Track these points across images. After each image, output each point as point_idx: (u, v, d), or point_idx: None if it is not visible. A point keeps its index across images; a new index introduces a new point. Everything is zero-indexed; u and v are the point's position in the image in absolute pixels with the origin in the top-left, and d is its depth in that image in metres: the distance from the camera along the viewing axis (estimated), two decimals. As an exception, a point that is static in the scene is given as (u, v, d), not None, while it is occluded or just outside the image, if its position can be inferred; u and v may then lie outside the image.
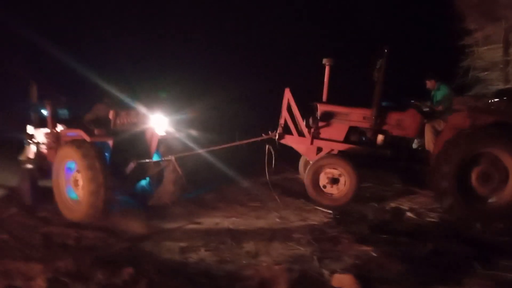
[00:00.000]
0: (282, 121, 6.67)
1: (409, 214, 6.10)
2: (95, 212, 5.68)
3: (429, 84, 6.66)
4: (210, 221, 6.09)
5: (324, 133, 6.52)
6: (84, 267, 4.09)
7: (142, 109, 6.87)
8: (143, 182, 7.03)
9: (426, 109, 6.42)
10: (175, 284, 3.72)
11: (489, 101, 5.87)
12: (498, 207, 5.50)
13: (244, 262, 4.34)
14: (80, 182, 5.90)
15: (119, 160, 6.41)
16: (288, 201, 6.97)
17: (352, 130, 6.45)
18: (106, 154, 6.28)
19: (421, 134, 6.29)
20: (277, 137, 6.53)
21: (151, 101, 7.24)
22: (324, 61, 6.46)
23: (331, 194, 6.29)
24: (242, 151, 7.56)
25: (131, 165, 6.42)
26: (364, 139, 6.39)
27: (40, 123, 7.08)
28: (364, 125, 6.36)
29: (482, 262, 4.19)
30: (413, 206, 6.46)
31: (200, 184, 7.68)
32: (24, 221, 6.06)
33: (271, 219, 6.14)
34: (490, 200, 5.62)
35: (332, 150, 6.42)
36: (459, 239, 4.98)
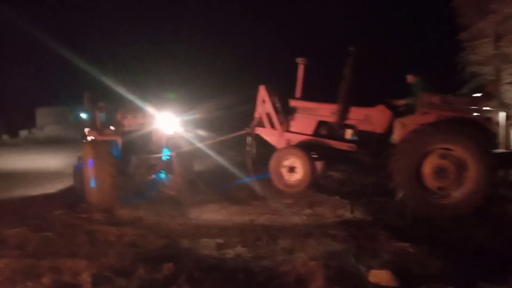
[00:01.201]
0: (256, 115, 7.33)
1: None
2: (104, 197, 6.79)
3: (409, 78, 6.60)
4: (245, 218, 6.18)
5: (294, 126, 7.00)
6: (127, 263, 4.25)
7: (150, 110, 7.82)
8: (161, 176, 7.96)
9: (400, 105, 6.47)
10: (214, 279, 3.80)
11: (448, 97, 5.77)
12: (454, 201, 5.54)
13: (280, 258, 4.37)
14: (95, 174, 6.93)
15: (128, 157, 7.47)
16: (322, 198, 6.98)
17: (321, 124, 6.81)
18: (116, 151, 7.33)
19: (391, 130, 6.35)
20: (251, 129, 7.23)
21: (160, 102, 8.16)
22: (298, 60, 6.91)
23: (289, 180, 6.75)
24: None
25: (133, 161, 7.42)
26: (332, 133, 6.66)
27: (91, 125, 8.16)
28: (332, 119, 6.64)
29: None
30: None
31: (227, 181, 7.82)
32: (69, 220, 6.36)
33: (305, 216, 6.16)
34: (446, 194, 5.64)
35: (300, 142, 6.78)
36: (502, 237, 4.82)
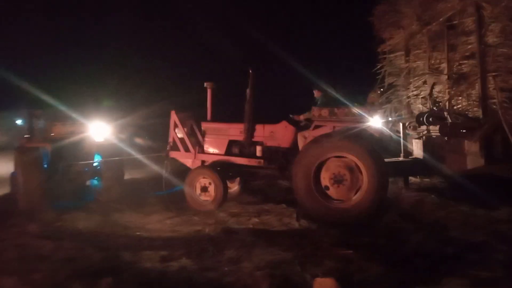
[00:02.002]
0: (170, 140, 7.63)
1: (386, 217, 6.19)
2: (31, 204, 6.96)
3: (315, 93, 7.09)
4: (190, 228, 6.04)
5: (207, 147, 7.34)
6: (61, 279, 3.98)
7: (80, 118, 8.10)
8: (95, 182, 8.28)
9: (301, 120, 6.87)
10: (156, 293, 3.66)
11: (335, 110, 6.22)
12: (349, 206, 5.85)
13: (226, 269, 4.29)
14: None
15: (58, 164, 7.71)
16: (269, 206, 7.02)
17: (231, 143, 7.11)
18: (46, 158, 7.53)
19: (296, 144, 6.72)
20: (166, 154, 7.60)
21: (92, 109, 8.42)
22: (206, 84, 7.27)
23: (202, 199, 6.88)
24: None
25: (62, 168, 7.68)
26: (243, 151, 6.97)
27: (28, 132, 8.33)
28: (241, 138, 6.96)
29: (460, 262, 4.28)
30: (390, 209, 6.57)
31: (160, 189, 7.75)
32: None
33: (252, 225, 6.13)
34: (345, 201, 5.93)
35: (213, 162, 7.12)
36: (438, 239, 5.07)
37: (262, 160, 6.73)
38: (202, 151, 7.33)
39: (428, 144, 7.16)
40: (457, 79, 6.92)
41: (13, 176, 7.79)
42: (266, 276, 3.85)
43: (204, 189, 6.82)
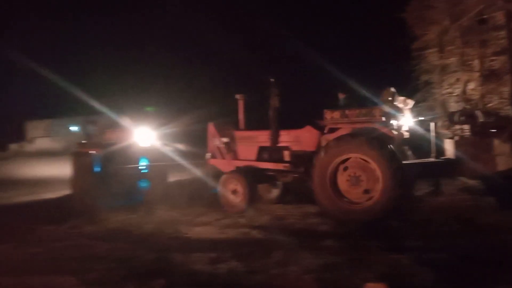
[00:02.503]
0: (209, 149, 8.19)
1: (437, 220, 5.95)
2: (85, 204, 7.62)
3: (340, 95, 7.15)
4: (237, 231, 6.09)
5: (240, 154, 7.73)
6: (116, 279, 4.15)
7: (128, 124, 8.80)
8: (143, 184, 8.82)
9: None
10: (206, 295, 3.72)
11: (346, 111, 6.28)
12: (366, 206, 5.86)
13: (273, 272, 4.28)
14: None
15: (109, 168, 8.23)
16: (316, 210, 6.93)
17: (261, 149, 7.42)
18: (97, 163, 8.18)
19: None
20: (207, 162, 8.22)
21: (138, 116, 9.06)
22: (237, 96, 7.71)
23: (232, 201, 7.29)
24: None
25: (112, 171, 8.18)
26: (271, 156, 7.25)
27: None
28: (269, 144, 7.22)
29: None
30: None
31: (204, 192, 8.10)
32: (58, 234, 6.24)
33: (298, 228, 6.09)
34: (361, 201, 5.95)
35: (245, 167, 7.50)
36: (492, 244, 4.80)
37: (288, 164, 6.94)
38: (235, 157, 7.72)
39: (461, 144, 6.84)
40: (488, 76, 6.61)
41: (71, 179, 8.55)
42: (314, 280, 3.81)
43: (234, 191, 7.24)
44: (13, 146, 32.20)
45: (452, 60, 7.52)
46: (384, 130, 5.96)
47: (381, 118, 6.02)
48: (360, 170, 5.94)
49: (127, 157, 8.60)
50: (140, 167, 8.84)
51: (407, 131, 6.89)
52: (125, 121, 8.98)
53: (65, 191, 9.06)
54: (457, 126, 7.02)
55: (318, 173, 6.14)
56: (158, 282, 3.91)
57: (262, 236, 5.68)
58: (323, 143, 6.57)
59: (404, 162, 6.29)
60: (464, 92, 7.04)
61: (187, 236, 6.01)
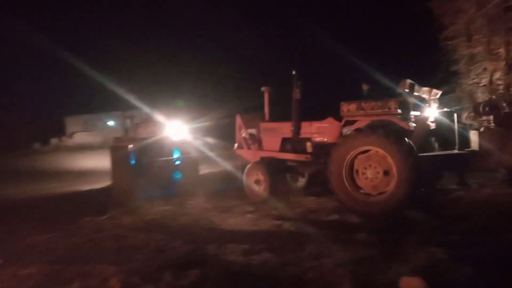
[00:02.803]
0: (236, 140, 8.45)
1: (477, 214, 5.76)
2: (123, 195, 8.05)
3: (363, 86, 7.23)
4: (270, 223, 6.13)
5: (264, 145, 7.89)
6: (154, 268, 4.28)
7: (160, 119, 9.40)
8: (177, 176, 9.22)
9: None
10: (240, 286, 3.78)
11: (362, 103, 6.20)
12: (380, 199, 5.85)
13: (307, 264, 4.29)
14: None
15: (144, 161, 8.66)
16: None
17: (284, 140, 7.50)
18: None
19: None
20: (234, 151, 8.54)
21: (170, 111, 9.69)
22: (262, 88, 7.81)
23: (256, 191, 7.59)
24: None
25: (147, 164, 8.64)
26: (294, 147, 7.30)
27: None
28: (292, 135, 7.27)
29: None
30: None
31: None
32: (97, 225, 6.49)
33: (331, 221, 6.07)
34: (377, 194, 5.94)
35: (269, 158, 7.69)
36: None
37: (309, 156, 7.00)
38: (260, 148, 7.91)
39: (486, 135, 6.59)
40: None
41: (110, 171, 8.95)
42: (348, 273, 3.78)
43: (258, 181, 7.54)
44: (54, 141, 33.58)
45: (479, 49, 7.21)
46: (400, 122, 5.84)
47: (397, 111, 5.89)
48: (376, 163, 5.92)
49: (161, 150, 9.08)
50: (172, 160, 9.28)
51: (432, 122, 6.75)
52: (158, 116, 9.65)
53: (106, 183, 9.46)
54: (484, 117, 6.75)
55: (334, 165, 6.17)
56: (193, 272, 4.00)
57: (295, 229, 5.69)
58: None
59: (426, 154, 6.21)
60: (490, 82, 6.75)
61: (221, 227, 6.11)
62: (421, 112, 6.56)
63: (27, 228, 6.49)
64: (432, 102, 6.84)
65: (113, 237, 5.70)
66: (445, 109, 7.21)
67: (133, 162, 8.59)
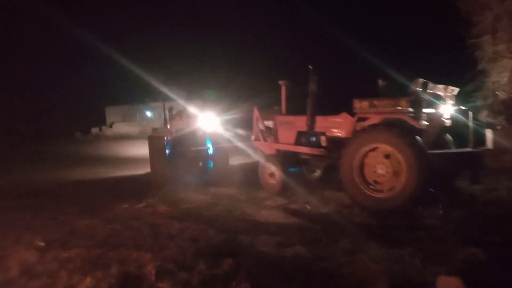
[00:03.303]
0: (253, 132, 8.66)
1: None
2: (159, 181, 8.80)
3: (380, 83, 7.02)
4: (303, 217, 6.11)
5: (280, 138, 7.96)
6: (188, 257, 4.36)
7: (194, 111, 9.98)
8: (210, 165, 9.94)
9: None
10: (273, 278, 3.79)
11: (374, 101, 6.15)
12: (387, 196, 5.89)
13: (340, 259, 4.26)
14: None
15: (178, 151, 9.62)
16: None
17: (299, 134, 7.54)
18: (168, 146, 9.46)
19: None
20: (251, 143, 8.77)
21: (203, 103, 10.03)
22: (280, 82, 7.89)
23: (270, 182, 7.81)
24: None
25: (181, 153, 9.52)
26: (309, 141, 7.34)
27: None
28: (306, 129, 7.29)
29: None
30: None
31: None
32: (135, 213, 6.69)
33: (367, 217, 5.97)
34: (386, 191, 5.97)
35: (284, 151, 7.83)
36: None
37: (323, 150, 7.03)
38: (276, 140, 7.98)
39: (501, 134, 6.44)
40: None
41: (150, 160, 9.61)
42: (383, 271, 3.71)
43: (271, 174, 7.74)
44: (94, 130, 34.80)
45: (502, 47, 6.84)
46: (411, 121, 5.76)
47: (408, 109, 5.81)
48: (386, 160, 5.95)
49: (194, 140, 9.78)
50: (205, 150, 9.90)
51: (448, 119, 6.62)
52: (192, 108, 10.27)
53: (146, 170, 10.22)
54: (501, 116, 6.52)
55: (346, 161, 6.24)
56: (227, 262, 4.05)
57: (328, 224, 5.64)
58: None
59: (439, 151, 6.14)
60: (510, 80, 6.44)
61: (254, 219, 6.15)
62: (435, 109, 6.47)
63: (70, 214, 6.79)
64: (448, 99, 6.68)
65: (149, 225, 5.85)
66: (461, 107, 6.98)
67: (168, 151, 9.33)
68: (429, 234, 4.92)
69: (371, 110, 6.18)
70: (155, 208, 6.91)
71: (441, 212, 5.78)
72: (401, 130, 5.77)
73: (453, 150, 6.67)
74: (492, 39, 7.39)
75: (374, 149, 6.09)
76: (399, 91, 6.36)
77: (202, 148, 9.83)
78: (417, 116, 5.87)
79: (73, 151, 21.67)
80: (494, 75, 7.05)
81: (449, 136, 6.97)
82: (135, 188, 9.01)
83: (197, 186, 8.68)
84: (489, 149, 6.41)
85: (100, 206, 7.28)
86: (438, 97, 6.51)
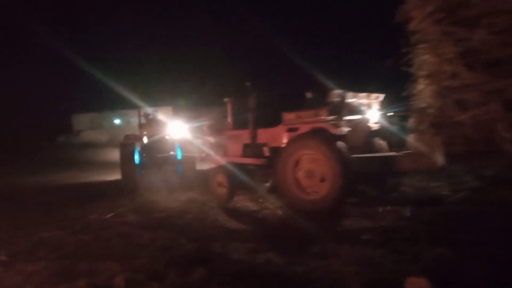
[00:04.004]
0: (205, 145, 8.96)
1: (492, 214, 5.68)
2: (129, 185, 9.64)
3: (307, 96, 7.63)
4: (275, 222, 6.12)
5: (229, 151, 8.38)
6: (159, 266, 4.28)
7: (163, 119, 10.56)
8: (178, 170, 10.44)
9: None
10: (246, 285, 3.76)
11: (299, 113, 6.78)
12: (315, 198, 6.33)
13: (313, 263, 4.27)
14: None
15: (148, 156, 10.18)
16: (357, 203, 6.84)
17: (245, 146, 7.93)
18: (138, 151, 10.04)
19: None
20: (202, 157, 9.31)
21: (172, 110, 11.21)
22: (225, 100, 8.35)
23: (219, 193, 7.98)
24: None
25: (148, 159, 10.10)
26: (252, 153, 7.66)
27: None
28: (250, 141, 7.69)
29: None
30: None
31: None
32: (103, 222, 6.51)
33: (339, 220, 6.03)
34: (316, 194, 6.38)
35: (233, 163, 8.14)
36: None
37: (266, 160, 7.38)
38: (226, 154, 8.37)
39: (419, 138, 6.86)
40: None
41: (120, 165, 10.34)
42: (355, 273, 3.76)
43: (220, 184, 7.94)
44: (61, 138, 33.80)
45: (427, 56, 7.12)
46: (331, 128, 6.25)
47: (328, 118, 6.33)
48: (314, 165, 6.42)
49: (163, 146, 10.29)
50: (173, 155, 10.37)
51: (376, 123, 7.15)
52: (161, 115, 10.89)
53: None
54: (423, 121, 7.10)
55: (280, 169, 6.68)
56: (198, 271, 3.99)
57: (301, 228, 5.66)
58: None
59: (362, 155, 6.70)
60: (426, 88, 6.93)
61: (226, 225, 6.10)
62: (361, 115, 7.03)
63: (36, 224, 6.55)
64: (373, 106, 7.26)
65: (119, 235, 5.71)
66: (384, 112, 7.56)
67: (137, 157, 9.89)
68: (399, 235, 5.01)
69: (298, 121, 6.73)
70: (124, 218, 6.77)
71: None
72: (323, 137, 6.25)
73: (378, 154, 7.13)
74: (422, 49, 7.53)
75: (303, 156, 6.55)
76: (322, 102, 6.85)
77: (170, 154, 10.41)
78: (337, 123, 6.34)
79: (39, 157, 21.05)
80: (420, 82, 7.29)
81: (380, 141, 7.49)
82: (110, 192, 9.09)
83: (166, 192, 8.89)
84: (409, 153, 6.80)
85: (68, 217, 7.06)
86: (362, 105, 7.03)
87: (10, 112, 31.49)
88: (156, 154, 10.16)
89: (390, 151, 7.09)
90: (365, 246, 4.70)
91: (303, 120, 6.63)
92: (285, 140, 6.93)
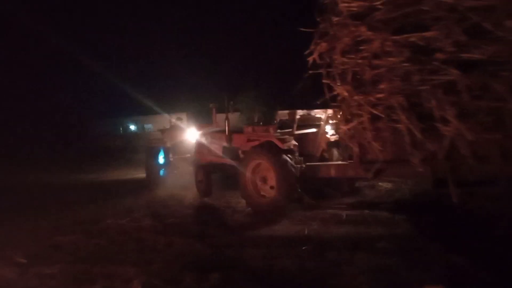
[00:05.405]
0: (196, 145, 9.78)
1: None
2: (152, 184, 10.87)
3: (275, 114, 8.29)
4: (290, 229, 6.11)
5: (212, 151, 9.04)
6: (174, 271, 4.32)
7: (182, 124, 11.64)
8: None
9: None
10: (260, 290, 3.78)
11: (254, 127, 7.89)
12: (270, 201, 7.18)
13: (327, 271, 4.26)
14: None
15: (169, 158, 11.08)
16: (371, 210, 6.80)
17: (224, 148, 8.69)
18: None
19: None
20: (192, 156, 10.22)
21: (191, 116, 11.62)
22: (210, 105, 9.35)
23: (200, 188, 9.06)
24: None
25: (172, 161, 11.14)
26: (231, 154, 8.41)
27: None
28: (227, 144, 8.57)
29: None
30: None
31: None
32: (119, 227, 6.60)
33: (354, 228, 6.00)
34: (268, 196, 7.32)
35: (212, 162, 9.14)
36: None
37: (238, 162, 8.05)
38: (210, 153, 9.12)
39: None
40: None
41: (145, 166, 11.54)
42: (369, 281, 3.74)
43: (200, 181, 9.00)
44: (78, 144, 34.32)
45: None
46: (277, 142, 7.13)
47: (274, 134, 7.24)
48: (266, 172, 7.30)
49: (184, 149, 10.98)
50: (190, 158, 10.74)
51: (333, 135, 7.88)
52: (180, 121, 12.05)
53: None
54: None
55: (241, 174, 7.53)
56: (214, 276, 4.03)
57: (315, 236, 5.65)
58: None
59: (313, 163, 7.37)
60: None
61: (241, 231, 6.12)
62: (315, 129, 7.94)
63: (52, 227, 6.68)
64: (328, 120, 7.97)
65: (134, 239, 5.78)
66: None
67: (159, 159, 10.93)
68: (414, 243, 4.97)
69: (254, 134, 7.70)
70: (140, 223, 6.84)
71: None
72: (270, 150, 7.16)
73: (329, 162, 7.69)
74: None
75: (260, 164, 7.43)
76: (272, 120, 8.05)
77: (187, 156, 10.99)
78: (283, 138, 7.16)
79: (56, 160, 21.61)
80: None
81: (335, 151, 8.07)
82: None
83: (182, 196, 9.28)
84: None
85: (84, 221, 7.17)
86: (317, 119, 7.96)
87: (27, 117, 32.09)
88: (176, 156, 11.09)
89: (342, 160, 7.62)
90: (378, 254, 4.67)
91: (258, 134, 7.66)
92: (247, 148, 7.79)
